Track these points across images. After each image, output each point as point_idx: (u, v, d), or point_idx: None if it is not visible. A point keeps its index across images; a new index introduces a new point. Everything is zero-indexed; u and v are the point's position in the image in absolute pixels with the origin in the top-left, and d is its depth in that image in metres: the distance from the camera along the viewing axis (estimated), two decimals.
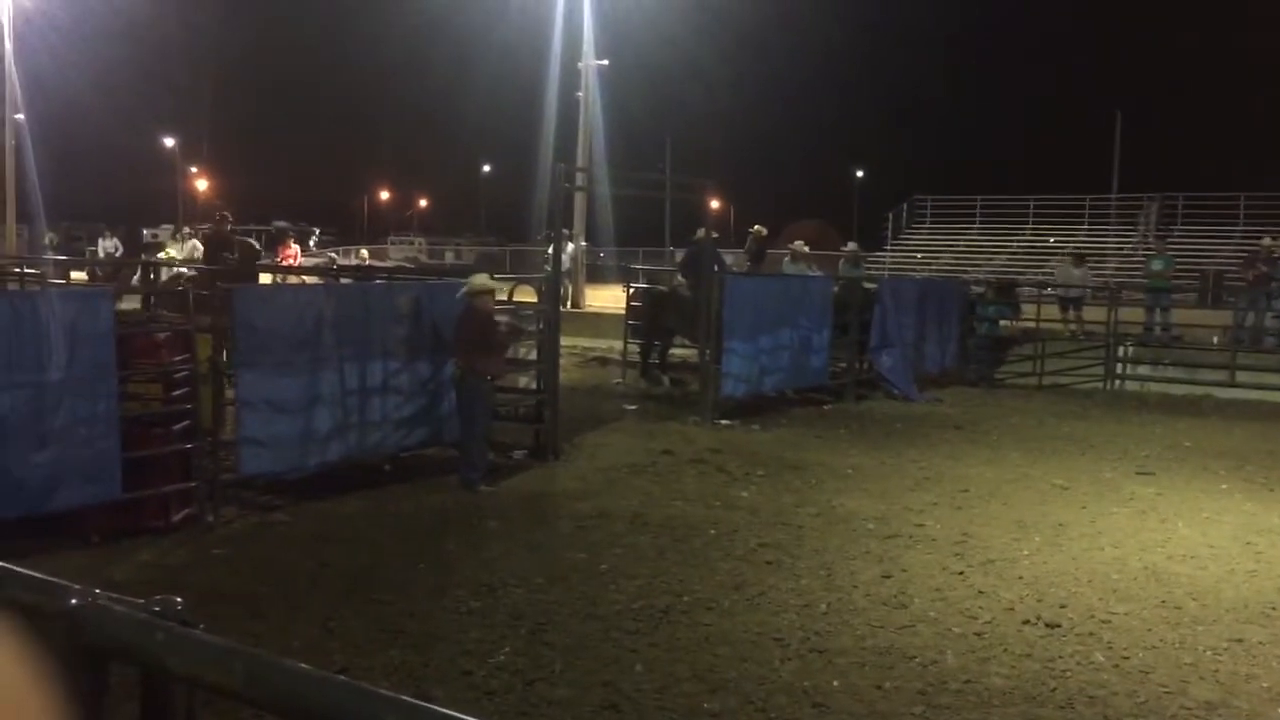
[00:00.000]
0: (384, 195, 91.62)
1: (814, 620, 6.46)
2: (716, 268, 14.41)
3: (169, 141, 68.14)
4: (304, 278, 17.27)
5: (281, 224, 41.39)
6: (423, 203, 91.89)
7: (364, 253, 36.15)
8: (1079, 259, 22.26)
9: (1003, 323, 18.63)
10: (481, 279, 10.01)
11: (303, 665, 1.55)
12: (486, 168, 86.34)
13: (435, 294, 10.30)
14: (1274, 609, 6.80)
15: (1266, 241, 19.70)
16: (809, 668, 5.74)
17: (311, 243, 40.48)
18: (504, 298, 12.13)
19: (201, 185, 70.22)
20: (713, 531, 8.41)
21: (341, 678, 1.57)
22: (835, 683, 5.53)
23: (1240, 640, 6.23)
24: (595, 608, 6.61)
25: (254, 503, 8.97)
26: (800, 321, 14.66)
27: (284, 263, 22.14)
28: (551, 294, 11.64)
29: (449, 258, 53.29)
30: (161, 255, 24.45)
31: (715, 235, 15.38)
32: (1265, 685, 5.53)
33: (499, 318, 10.50)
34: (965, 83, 52.76)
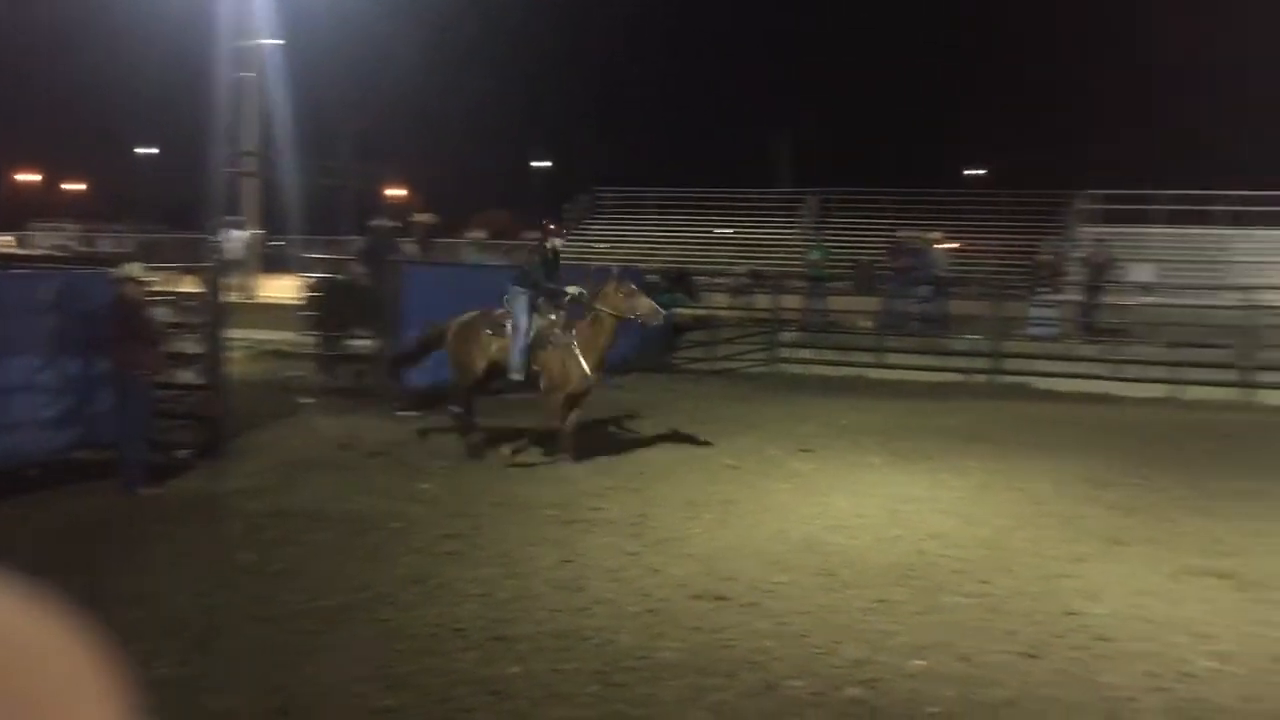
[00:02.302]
0: (26, 177, 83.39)
1: (494, 609, 6.48)
2: (395, 257, 14.16)
3: None
4: None
5: None
6: (75, 186, 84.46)
7: (7, 239, 32.97)
8: (757, 276, 23.40)
9: (678, 310, 19.40)
10: (129, 266, 9.36)
11: None
12: (153, 150, 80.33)
13: (84, 284, 9.52)
14: (913, 570, 7.44)
15: (903, 234, 21.61)
16: (489, 656, 5.75)
17: None
18: (168, 288, 11.42)
19: None
20: (394, 525, 8.27)
21: None
22: (515, 669, 5.57)
23: (885, 601, 6.77)
24: (267, 610, 6.33)
25: None
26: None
27: None
28: (217, 283, 11.05)
29: (106, 246, 49.31)
30: None
31: (395, 224, 15.11)
32: (905, 640, 6.04)
33: (155, 309, 9.87)
34: (646, 78, 54.46)
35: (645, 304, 10.63)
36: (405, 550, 7.65)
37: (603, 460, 10.82)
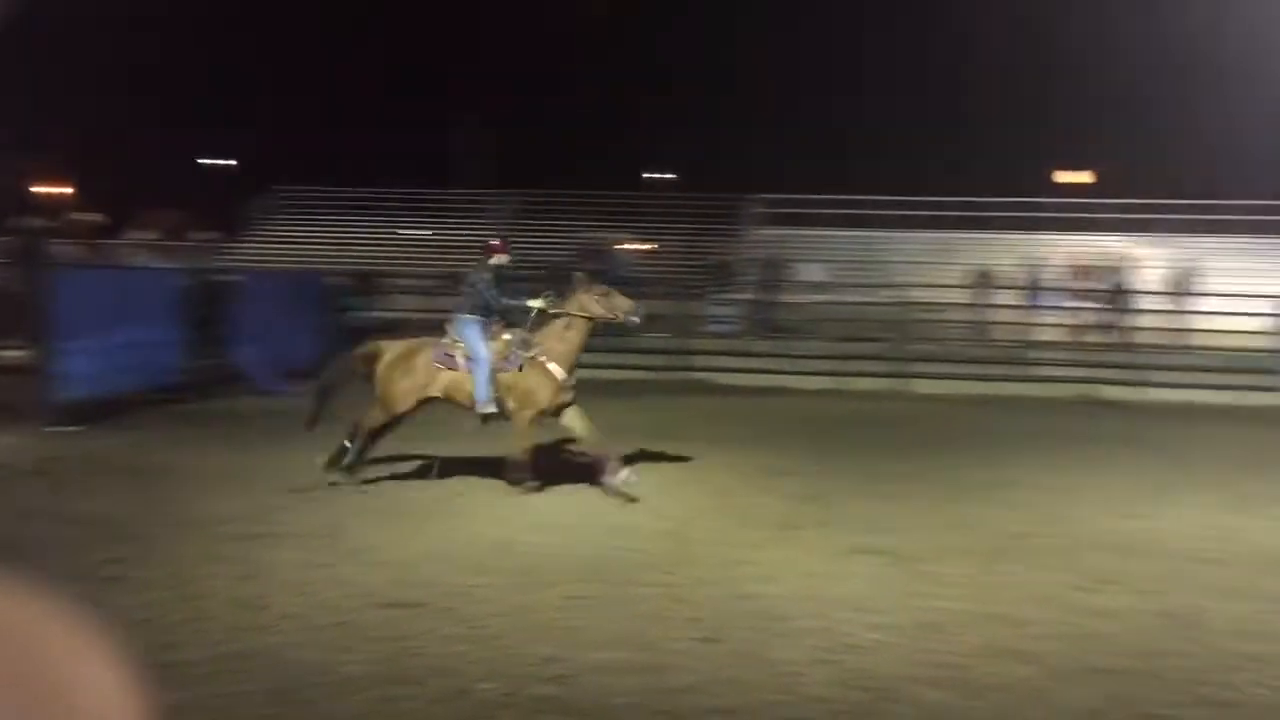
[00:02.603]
0: None
1: (161, 634, 6.01)
2: (49, 259, 13.05)
3: None
4: None
5: None
6: None
7: None
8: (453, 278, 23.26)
9: (363, 313, 18.97)
10: None
11: None
12: None
13: None
14: (604, 565, 7.56)
15: (590, 236, 22.19)
16: (151, 686, 5.33)
17: None
18: None
19: None
20: (44, 552, 7.56)
21: None
22: (181, 696, 5.18)
23: (578, 597, 6.83)
24: None
25: None
26: (149, 316, 13.73)
27: None
28: None
29: None
30: None
31: (50, 223, 13.91)
32: (593, 637, 6.12)
33: None
34: (330, 73, 52.63)
35: (624, 303, 10.10)
36: (58, 578, 7.01)
37: (290, 471, 10.33)
